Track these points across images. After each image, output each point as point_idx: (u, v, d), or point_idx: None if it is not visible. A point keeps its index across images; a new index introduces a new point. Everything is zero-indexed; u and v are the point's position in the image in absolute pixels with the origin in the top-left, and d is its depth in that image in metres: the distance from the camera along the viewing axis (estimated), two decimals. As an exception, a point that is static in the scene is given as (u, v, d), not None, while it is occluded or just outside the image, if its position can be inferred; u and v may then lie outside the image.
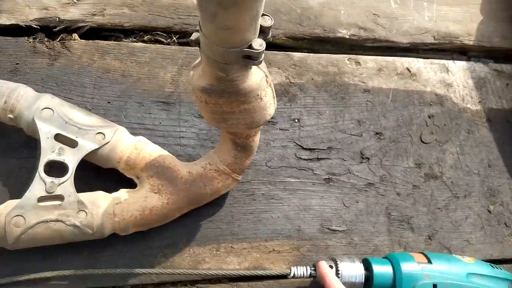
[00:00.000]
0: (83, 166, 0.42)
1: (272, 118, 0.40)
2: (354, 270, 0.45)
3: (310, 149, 0.56)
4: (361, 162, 0.57)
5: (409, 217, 0.56)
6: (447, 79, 0.64)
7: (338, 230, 0.53)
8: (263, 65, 0.36)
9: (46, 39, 0.52)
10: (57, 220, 0.40)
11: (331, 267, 0.45)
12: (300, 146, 0.56)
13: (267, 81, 0.37)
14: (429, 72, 0.64)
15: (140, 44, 0.55)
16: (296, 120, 0.57)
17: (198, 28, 0.31)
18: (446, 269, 0.45)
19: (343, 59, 0.61)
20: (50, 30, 0.52)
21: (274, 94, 0.40)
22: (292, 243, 0.51)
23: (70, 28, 0.53)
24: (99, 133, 0.43)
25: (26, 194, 0.40)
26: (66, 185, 0.41)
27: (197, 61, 0.38)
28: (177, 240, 0.48)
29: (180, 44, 0.57)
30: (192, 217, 0.49)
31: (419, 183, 0.58)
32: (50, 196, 0.41)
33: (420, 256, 0.47)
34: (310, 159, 0.55)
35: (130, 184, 0.45)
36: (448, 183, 0.59)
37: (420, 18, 0.66)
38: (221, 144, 0.46)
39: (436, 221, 0.57)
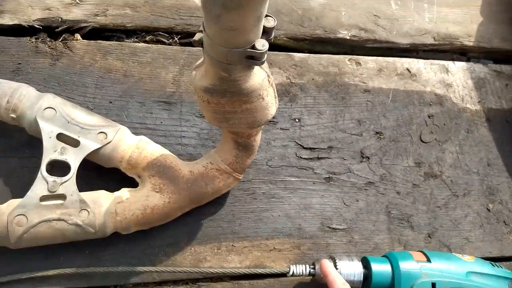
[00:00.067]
0: (85, 166, 0.43)
1: (273, 117, 0.41)
2: (352, 268, 0.46)
3: (310, 149, 0.56)
4: (361, 161, 0.57)
5: (409, 215, 0.56)
6: (447, 80, 0.65)
7: (338, 229, 0.54)
8: (265, 65, 0.36)
9: (48, 39, 0.52)
10: (59, 219, 0.41)
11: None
12: (301, 145, 0.56)
13: (269, 81, 0.38)
14: (429, 73, 0.64)
15: (142, 44, 0.55)
16: (297, 120, 0.57)
17: (201, 28, 0.32)
18: (446, 268, 0.46)
19: (344, 60, 0.62)
20: (52, 30, 0.53)
21: (276, 94, 0.40)
22: (293, 241, 0.52)
23: (72, 28, 0.53)
24: (101, 132, 0.44)
25: (28, 193, 0.40)
26: (68, 184, 0.41)
27: (200, 61, 0.38)
28: (179, 239, 0.48)
29: (181, 44, 0.57)
30: (194, 216, 0.49)
31: (419, 182, 0.58)
32: (52, 195, 0.41)
33: (419, 255, 0.47)
34: (311, 158, 0.56)
35: (131, 183, 0.46)
36: (447, 182, 0.60)
37: (420, 20, 0.67)
38: (223, 144, 0.47)
39: (436, 219, 0.57)
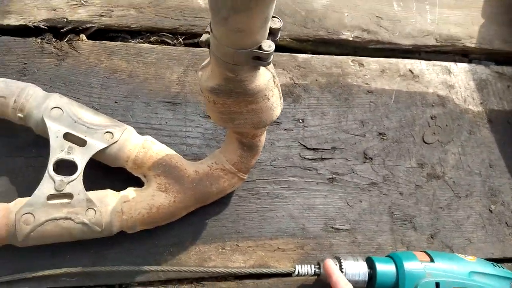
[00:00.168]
0: (91, 165, 0.43)
1: (277, 118, 0.41)
2: (357, 268, 0.46)
3: (314, 149, 0.56)
4: (364, 162, 0.58)
5: (412, 216, 0.57)
6: (449, 81, 0.65)
7: (341, 229, 0.54)
8: (271, 66, 0.37)
9: (54, 39, 0.52)
10: (66, 218, 0.41)
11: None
12: (304, 146, 0.56)
13: (274, 82, 0.38)
14: (431, 74, 0.65)
15: (146, 45, 0.55)
16: (300, 121, 0.57)
17: (208, 29, 0.32)
18: (449, 268, 0.46)
19: (347, 61, 0.62)
20: (58, 30, 0.53)
21: (281, 95, 0.41)
22: (297, 241, 0.52)
23: (77, 29, 0.53)
24: (107, 132, 0.44)
25: (35, 192, 0.41)
26: (75, 183, 0.42)
27: (206, 62, 0.38)
28: (183, 239, 0.49)
29: (186, 45, 0.57)
30: (198, 216, 0.49)
31: (422, 183, 0.59)
32: (59, 194, 0.41)
33: (422, 255, 0.48)
34: (314, 159, 0.56)
35: (137, 183, 0.46)
36: (450, 183, 0.60)
37: (422, 21, 0.67)
38: (227, 144, 0.47)
39: (438, 220, 0.58)
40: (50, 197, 0.41)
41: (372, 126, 0.60)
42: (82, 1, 0.54)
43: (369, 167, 0.58)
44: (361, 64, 0.62)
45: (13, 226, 0.40)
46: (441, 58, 0.68)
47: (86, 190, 0.42)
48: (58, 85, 0.51)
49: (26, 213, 0.40)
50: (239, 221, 0.51)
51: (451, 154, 0.61)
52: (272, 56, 0.32)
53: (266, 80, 0.36)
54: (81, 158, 0.43)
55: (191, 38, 0.58)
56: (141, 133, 0.47)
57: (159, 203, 0.44)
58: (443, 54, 0.69)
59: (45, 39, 0.52)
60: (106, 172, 0.46)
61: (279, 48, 0.61)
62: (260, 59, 0.32)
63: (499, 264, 0.49)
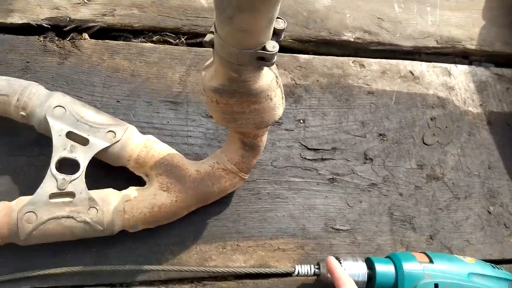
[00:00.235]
0: (93, 164, 0.43)
1: (279, 118, 0.41)
2: (357, 269, 0.46)
3: (314, 150, 0.57)
4: (364, 163, 0.58)
5: (411, 217, 0.57)
6: (449, 83, 0.66)
7: (341, 229, 0.54)
8: (273, 66, 0.37)
9: (56, 38, 0.53)
10: (68, 217, 0.41)
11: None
12: (305, 146, 0.56)
13: (277, 82, 0.38)
14: (432, 75, 0.65)
15: (149, 44, 0.56)
16: (301, 121, 0.58)
17: (212, 29, 0.32)
18: (448, 269, 0.46)
19: (348, 62, 0.62)
20: (60, 29, 0.53)
21: (283, 95, 0.41)
22: (297, 241, 0.52)
23: (80, 28, 0.53)
24: (110, 131, 0.44)
25: (38, 190, 0.41)
26: (77, 182, 0.42)
27: (209, 61, 0.39)
28: (185, 238, 0.49)
29: (188, 45, 0.58)
30: (199, 215, 0.49)
31: (421, 184, 0.59)
32: (62, 193, 0.41)
33: (422, 256, 0.48)
34: (315, 159, 0.56)
35: (139, 182, 0.46)
36: (449, 184, 0.60)
37: (423, 23, 0.67)
38: (229, 144, 0.47)
39: (438, 221, 0.58)
40: (52, 195, 0.41)
41: (372, 127, 0.60)
42: (85, 0, 0.54)
43: (369, 168, 0.58)
44: (362, 65, 0.63)
45: (15, 224, 0.40)
46: (441, 60, 0.68)
47: (88, 189, 0.42)
48: (61, 83, 0.51)
49: (28, 211, 0.40)
50: (239, 221, 0.51)
51: (451, 155, 0.62)
52: (275, 57, 0.32)
53: (269, 80, 0.37)
54: (83, 157, 0.43)
55: (193, 38, 0.58)
56: (143, 132, 0.47)
57: (161, 202, 0.44)
58: (443, 55, 0.69)
59: (48, 38, 0.52)
60: (108, 171, 0.46)
61: (281, 49, 0.60)
62: (264, 60, 0.32)
63: (498, 266, 0.50)
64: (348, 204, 0.55)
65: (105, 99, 0.52)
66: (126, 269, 0.45)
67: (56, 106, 0.43)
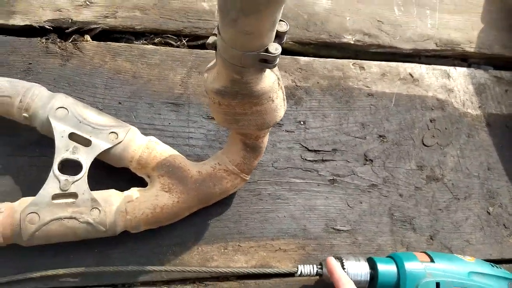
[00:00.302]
0: (95, 165, 0.43)
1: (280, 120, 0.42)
2: (359, 268, 0.46)
3: (315, 151, 0.57)
4: (364, 164, 0.58)
5: (411, 217, 0.57)
6: (448, 85, 0.66)
7: (342, 230, 0.54)
8: (275, 68, 0.37)
9: (58, 40, 0.53)
10: (70, 217, 0.41)
11: (337, 265, 0.46)
12: (306, 147, 0.57)
13: (279, 84, 0.39)
14: (431, 78, 0.66)
15: (150, 46, 0.56)
16: (302, 123, 0.58)
17: (215, 32, 0.32)
18: (449, 268, 0.47)
19: (348, 64, 0.63)
20: (62, 31, 0.53)
21: (285, 97, 0.41)
22: (298, 242, 0.52)
23: (82, 30, 0.54)
24: (112, 132, 0.44)
25: (40, 191, 0.41)
26: (80, 183, 0.42)
27: (211, 63, 0.39)
28: (186, 239, 0.49)
29: (189, 47, 0.58)
30: (201, 216, 0.50)
31: (421, 185, 0.60)
32: (64, 194, 0.42)
33: (423, 255, 0.48)
34: (315, 161, 0.57)
35: (141, 183, 0.46)
36: (449, 185, 0.61)
37: (423, 26, 0.68)
38: (230, 145, 0.47)
39: (437, 221, 0.58)
40: (55, 196, 0.41)
41: (372, 128, 0.60)
42: (87, 2, 0.54)
43: (370, 169, 0.58)
44: (362, 68, 0.63)
45: (18, 225, 0.40)
46: (440, 62, 0.69)
47: (91, 190, 0.42)
48: (63, 85, 0.51)
49: (31, 212, 0.40)
50: (241, 222, 0.52)
51: (450, 156, 0.62)
52: (278, 59, 0.33)
53: (271, 82, 0.37)
54: (86, 158, 0.43)
55: (194, 40, 0.58)
56: (145, 134, 0.48)
57: (163, 203, 0.44)
58: (442, 58, 0.70)
59: (50, 40, 0.52)
60: (110, 172, 0.46)
61: (282, 51, 0.61)
62: (266, 62, 0.32)
63: (497, 265, 0.50)
64: (348, 205, 0.56)
65: (107, 100, 0.52)
66: (129, 270, 0.45)
67: (59, 108, 0.43)
